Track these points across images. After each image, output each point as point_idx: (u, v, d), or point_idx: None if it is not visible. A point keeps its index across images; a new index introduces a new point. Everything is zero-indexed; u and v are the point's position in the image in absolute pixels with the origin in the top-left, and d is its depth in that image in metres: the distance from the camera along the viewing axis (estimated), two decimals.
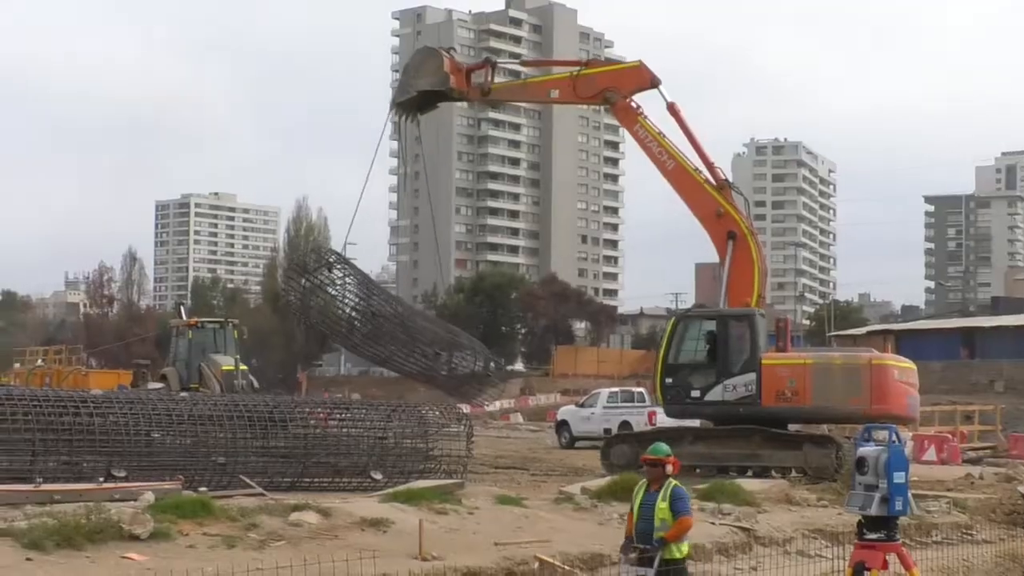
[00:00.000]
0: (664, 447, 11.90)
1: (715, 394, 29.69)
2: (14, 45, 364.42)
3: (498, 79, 34.34)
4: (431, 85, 32.67)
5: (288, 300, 36.58)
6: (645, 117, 31.87)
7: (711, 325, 30.31)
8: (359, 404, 28.67)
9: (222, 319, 45.69)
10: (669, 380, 29.98)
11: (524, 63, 34.76)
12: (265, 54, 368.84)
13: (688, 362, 30.26)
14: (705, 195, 30.94)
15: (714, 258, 31.92)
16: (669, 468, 11.70)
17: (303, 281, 33.32)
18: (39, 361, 56.01)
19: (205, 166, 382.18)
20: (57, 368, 52.55)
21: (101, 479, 19.82)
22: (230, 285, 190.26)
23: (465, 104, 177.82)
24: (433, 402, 28.88)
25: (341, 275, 33.05)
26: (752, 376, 29.33)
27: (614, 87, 31.90)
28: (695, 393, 29.90)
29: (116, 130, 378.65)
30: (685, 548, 11.74)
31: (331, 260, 33.74)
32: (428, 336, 33.08)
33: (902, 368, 29.94)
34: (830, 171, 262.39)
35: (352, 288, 33.09)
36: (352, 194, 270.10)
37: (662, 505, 11.50)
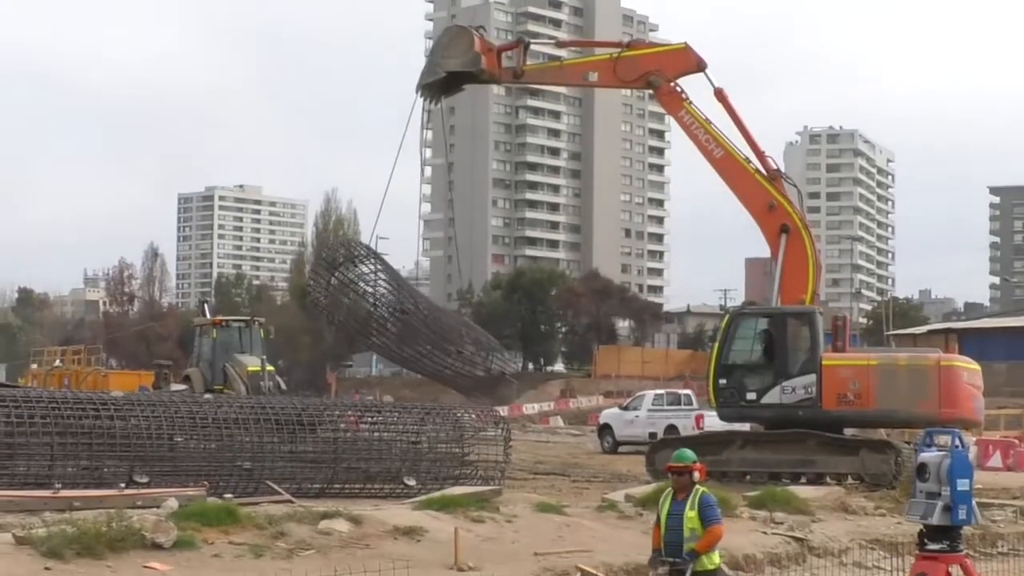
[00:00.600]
0: (689, 453, 11.77)
1: (772, 396, 29.46)
2: (28, 34, 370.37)
3: (531, 61, 34.15)
4: (461, 66, 32.35)
5: (316, 298, 36.35)
6: (691, 102, 31.66)
7: (768, 323, 30.03)
8: (391, 406, 28.52)
9: (248, 317, 45.64)
10: (723, 381, 29.77)
11: (560, 44, 34.24)
12: (293, 40, 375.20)
13: (743, 362, 30.06)
14: (756, 186, 30.77)
15: (765, 252, 31.88)
16: (696, 475, 11.60)
17: (330, 278, 33.42)
18: (57, 361, 56.28)
19: (229, 158, 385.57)
20: (76, 369, 52.88)
21: (122, 485, 19.80)
22: (256, 282, 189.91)
23: (501, 91, 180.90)
24: (469, 405, 28.73)
25: (371, 271, 32.84)
26: (812, 378, 29.11)
27: (658, 70, 31.71)
28: (751, 395, 29.67)
29: (136, 122, 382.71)
30: (717, 558, 11.62)
31: (360, 254, 33.42)
32: (452, 335, 32.79)
33: (970, 370, 29.68)
34: (888, 160, 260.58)
35: (383, 285, 32.83)
36: (384, 186, 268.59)
37: (691, 514, 11.39)
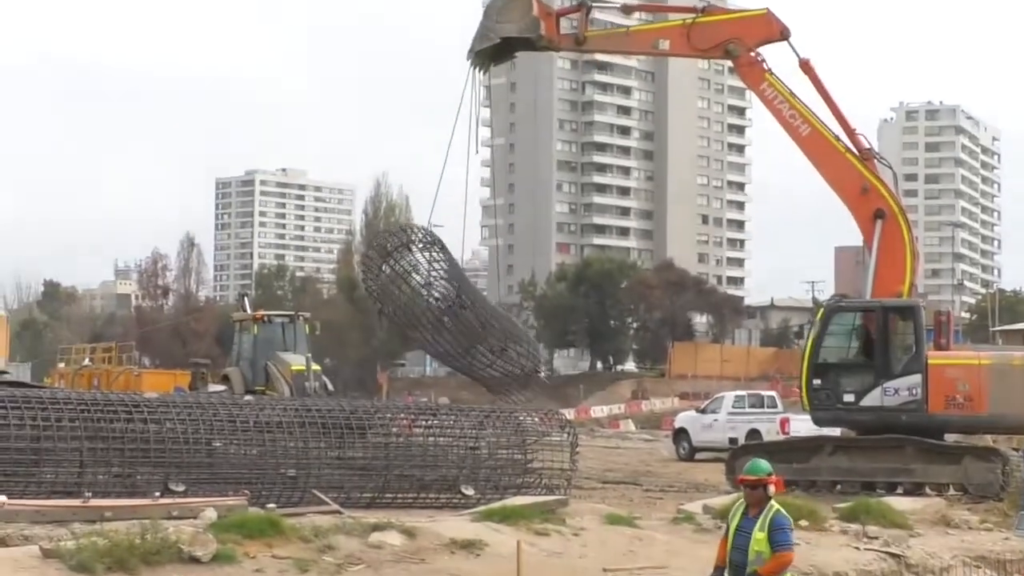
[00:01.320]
0: (764, 465, 11.64)
1: (873, 399, 28.98)
2: (58, 24, 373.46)
3: (595, 28, 33.55)
4: (518, 31, 31.93)
5: (367, 288, 36.30)
6: (773, 74, 31.31)
7: (867, 318, 29.59)
8: (448, 409, 28.30)
9: (291, 312, 45.48)
10: (817, 382, 29.32)
11: (627, 8, 34.31)
12: (339, 16, 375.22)
13: (839, 361, 29.70)
14: (847, 167, 30.42)
15: (857, 240, 31.49)
16: (771, 489, 11.41)
17: (383, 267, 33.23)
18: (86, 360, 56.45)
19: (271, 141, 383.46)
20: (106, 368, 52.94)
21: (157, 494, 19.91)
22: (300, 273, 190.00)
23: (566, 64, 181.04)
24: (532, 407, 28.63)
25: (428, 259, 32.54)
26: (917, 378, 28.74)
27: (736, 38, 31.33)
28: (848, 397, 29.23)
29: (172, 103, 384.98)
30: None
31: (419, 240, 33.02)
32: (501, 333, 32.71)
33: None
34: (994, 139, 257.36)
35: (440, 274, 32.49)
36: (438, 169, 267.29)
37: (759, 535, 11.23)
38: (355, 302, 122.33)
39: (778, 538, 11.18)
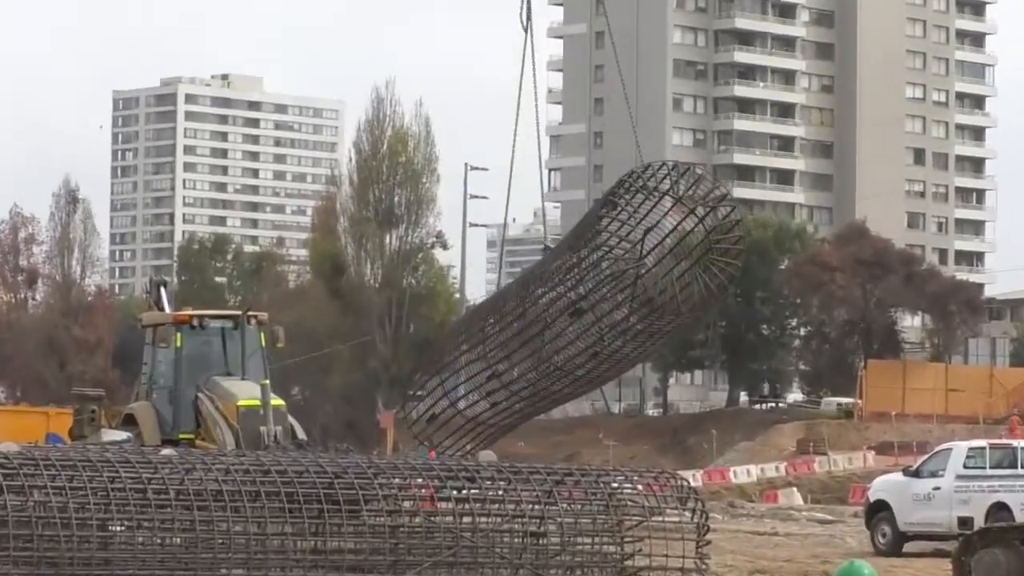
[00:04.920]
0: (865, 568, 11.17)
1: None
2: None
3: None
4: None
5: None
6: None
7: None
8: (495, 470, 27.45)
9: (236, 311, 44.00)
10: None
11: None
12: None
13: None
14: None
15: None
16: None
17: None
18: None
19: (205, 44, 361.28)
20: None
21: None
22: (251, 247, 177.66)
23: None
24: (629, 465, 26.42)
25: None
26: None
27: None
28: None
29: None
30: None
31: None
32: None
33: None
34: None
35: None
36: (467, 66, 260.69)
37: None
38: (343, 294, 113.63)
39: None
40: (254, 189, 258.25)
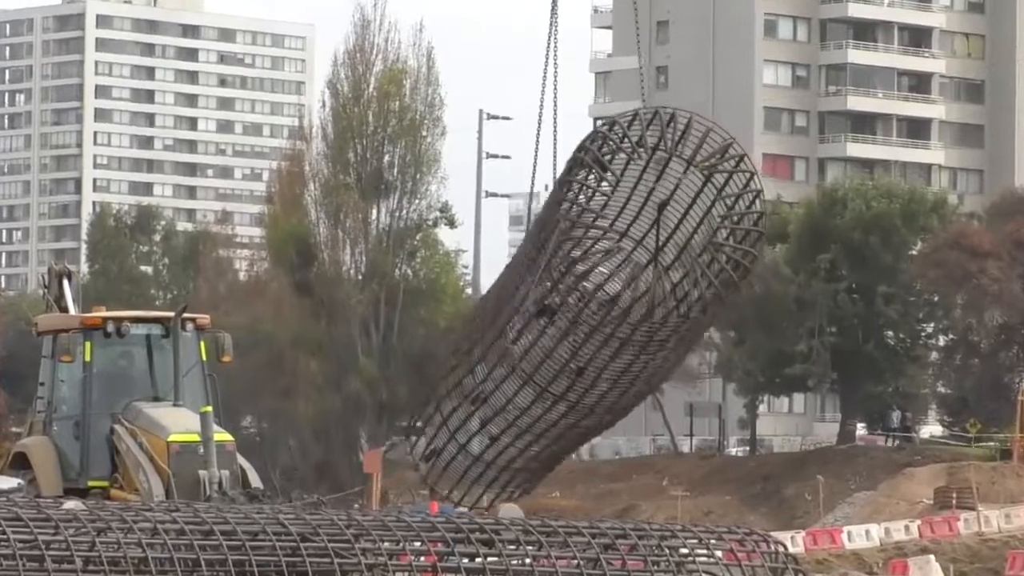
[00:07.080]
0: None
1: None
2: None
3: None
4: None
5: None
6: None
7: None
8: (519, 529, 26.38)
9: (166, 313, 39.60)
10: None
11: None
12: None
13: None
14: None
15: None
16: None
17: None
18: None
19: None
20: None
21: None
22: (186, 224, 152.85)
23: None
24: (704, 523, 23.69)
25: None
26: None
27: None
28: None
29: None
30: None
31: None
32: None
33: None
34: None
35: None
36: None
37: None
38: (312, 289, 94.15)
39: None
40: (191, 145, 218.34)
